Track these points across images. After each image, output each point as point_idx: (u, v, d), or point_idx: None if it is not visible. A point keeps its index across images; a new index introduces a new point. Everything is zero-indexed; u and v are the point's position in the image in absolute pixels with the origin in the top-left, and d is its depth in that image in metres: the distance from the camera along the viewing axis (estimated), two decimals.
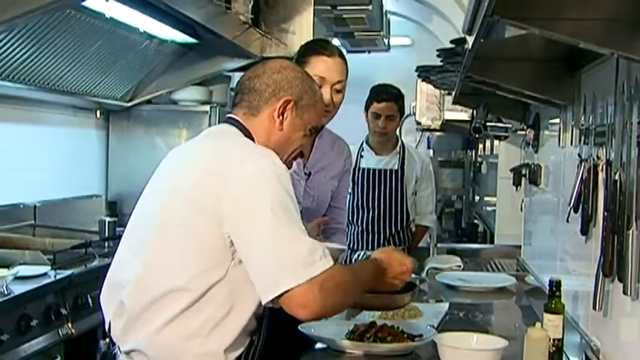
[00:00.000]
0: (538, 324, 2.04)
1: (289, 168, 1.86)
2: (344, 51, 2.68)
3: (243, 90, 1.91)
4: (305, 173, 2.55)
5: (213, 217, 1.67)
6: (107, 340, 1.87)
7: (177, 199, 1.75)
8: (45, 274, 2.81)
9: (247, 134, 1.86)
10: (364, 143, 4.13)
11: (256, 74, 1.90)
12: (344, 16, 5.01)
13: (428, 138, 7.43)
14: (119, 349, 1.81)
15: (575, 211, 2.28)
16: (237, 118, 1.89)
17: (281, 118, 1.87)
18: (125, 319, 1.77)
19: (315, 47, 2.55)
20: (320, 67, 2.45)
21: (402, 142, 4.18)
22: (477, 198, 6.87)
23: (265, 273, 1.66)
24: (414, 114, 6.04)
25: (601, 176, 2.11)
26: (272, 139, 1.86)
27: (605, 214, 1.94)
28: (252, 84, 1.89)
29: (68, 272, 2.89)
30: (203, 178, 1.72)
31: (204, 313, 1.70)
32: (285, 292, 1.63)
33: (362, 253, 4.01)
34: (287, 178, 1.73)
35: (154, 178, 1.89)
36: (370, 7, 4.85)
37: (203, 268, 1.70)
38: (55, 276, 2.82)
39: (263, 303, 1.68)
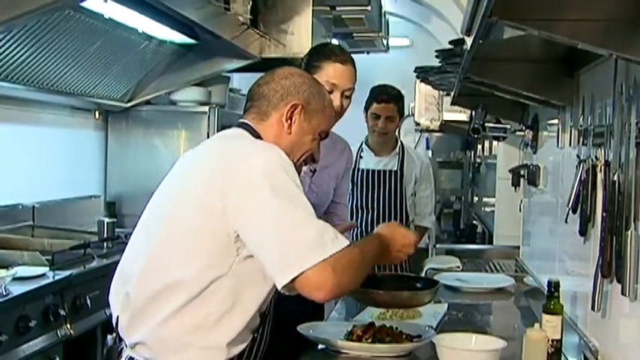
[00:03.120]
0: (537, 325, 2.04)
1: (299, 172, 1.90)
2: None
3: (253, 97, 1.97)
4: (310, 170, 2.60)
5: (218, 213, 1.70)
6: (114, 335, 1.89)
7: (185, 197, 1.78)
8: (43, 275, 2.81)
9: (258, 137, 1.90)
10: (363, 144, 4.13)
11: (265, 81, 1.97)
12: (343, 16, 5.01)
13: (427, 139, 7.44)
14: (125, 343, 1.83)
15: (574, 212, 2.28)
16: (247, 122, 1.94)
17: (289, 122, 1.92)
18: (130, 311, 1.79)
19: (328, 52, 2.59)
20: (332, 73, 2.51)
21: (401, 142, 4.18)
22: (475, 199, 6.87)
23: (277, 259, 1.67)
24: (413, 115, 6.05)
25: (599, 177, 2.12)
26: (281, 142, 1.90)
27: (604, 214, 1.95)
28: (261, 90, 1.95)
29: (67, 273, 2.89)
30: (210, 176, 1.76)
31: (207, 306, 1.72)
32: (299, 275, 1.63)
33: None
34: (293, 170, 1.76)
35: (166, 179, 1.93)
36: (369, 8, 4.86)
37: (206, 262, 1.72)
38: (53, 277, 2.82)
39: (279, 289, 1.69)
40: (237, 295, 1.74)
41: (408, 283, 2.36)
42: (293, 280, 1.64)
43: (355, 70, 2.59)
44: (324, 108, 1.98)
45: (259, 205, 1.68)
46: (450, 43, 2.86)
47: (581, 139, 2.30)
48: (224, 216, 1.69)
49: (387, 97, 4.00)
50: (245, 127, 1.93)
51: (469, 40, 2.05)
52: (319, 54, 2.60)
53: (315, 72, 2.48)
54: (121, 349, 1.85)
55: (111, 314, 1.92)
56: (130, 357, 1.81)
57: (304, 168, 2.45)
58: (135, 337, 1.79)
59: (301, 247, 1.65)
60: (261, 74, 2.02)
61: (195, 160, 1.89)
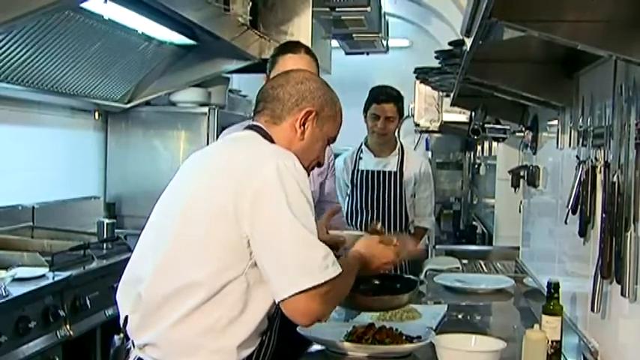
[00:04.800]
0: (536, 325, 2.04)
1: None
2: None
3: (266, 98, 1.94)
4: None
5: (233, 217, 1.70)
6: (121, 335, 1.88)
7: (197, 199, 1.78)
8: (43, 276, 2.81)
9: (270, 140, 1.89)
10: (363, 145, 4.13)
11: (279, 84, 1.94)
12: (342, 17, 5.01)
13: (426, 140, 7.44)
14: (133, 344, 1.83)
15: (574, 213, 2.28)
16: (259, 124, 1.92)
17: (302, 128, 1.90)
18: (141, 312, 1.79)
19: (282, 47, 2.70)
20: (286, 63, 2.55)
21: (400, 143, 4.18)
22: (475, 200, 6.87)
23: (283, 273, 1.69)
24: (413, 115, 6.05)
25: (599, 178, 2.12)
26: (293, 147, 1.88)
27: (603, 215, 1.95)
28: (275, 93, 1.93)
29: (66, 274, 2.89)
30: (223, 179, 1.75)
31: (219, 309, 1.72)
32: (292, 296, 1.66)
33: None
34: (305, 183, 1.76)
35: (175, 180, 1.92)
36: (369, 9, 4.85)
37: (221, 265, 1.72)
38: (53, 277, 2.82)
39: (277, 301, 1.71)
40: (248, 299, 1.74)
41: (387, 287, 2.30)
42: (288, 297, 1.67)
43: (314, 59, 2.63)
44: (335, 114, 1.97)
45: (271, 218, 1.69)
46: (450, 44, 2.86)
47: (580, 140, 2.30)
48: (237, 219, 1.69)
49: (387, 98, 4.00)
50: (257, 129, 1.91)
51: (469, 41, 2.05)
52: (275, 51, 2.68)
53: (272, 68, 2.57)
54: (129, 349, 1.84)
55: (117, 314, 1.91)
56: (139, 358, 1.80)
57: None
58: (144, 338, 1.78)
59: (307, 266, 1.68)
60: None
61: (205, 163, 1.89)
